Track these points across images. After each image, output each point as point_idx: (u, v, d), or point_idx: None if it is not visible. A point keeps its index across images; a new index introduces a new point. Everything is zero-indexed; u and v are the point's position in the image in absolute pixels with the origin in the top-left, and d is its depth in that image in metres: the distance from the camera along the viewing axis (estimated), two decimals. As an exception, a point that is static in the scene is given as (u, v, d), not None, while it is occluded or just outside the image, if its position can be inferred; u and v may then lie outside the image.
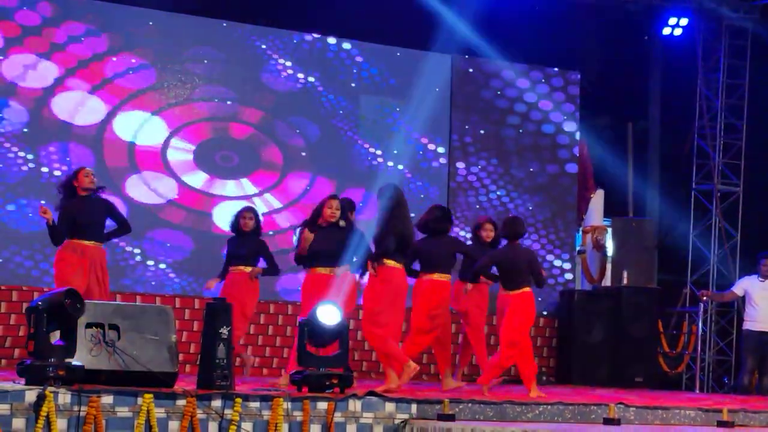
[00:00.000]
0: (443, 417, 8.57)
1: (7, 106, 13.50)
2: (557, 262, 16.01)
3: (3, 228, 13.34)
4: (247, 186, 14.50)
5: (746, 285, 14.05)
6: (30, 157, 13.55)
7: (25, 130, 13.56)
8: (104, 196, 10.75)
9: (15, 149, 13.47)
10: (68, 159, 13.61)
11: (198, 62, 14.57)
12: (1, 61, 13.55)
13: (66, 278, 10.13)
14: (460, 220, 15.69)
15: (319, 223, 10.19)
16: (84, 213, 10.47)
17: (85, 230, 10.45)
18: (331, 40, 15.34)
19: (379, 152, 15.36)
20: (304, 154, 14.98)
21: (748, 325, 14.00)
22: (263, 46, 14.96)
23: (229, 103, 14.70)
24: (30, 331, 7.91)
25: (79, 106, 13.85)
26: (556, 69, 16.52)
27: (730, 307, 16.02)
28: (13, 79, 13.62)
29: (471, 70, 16.08)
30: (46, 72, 13.76)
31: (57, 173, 13.44)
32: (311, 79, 15.12)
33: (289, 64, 15.02)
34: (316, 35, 15.24)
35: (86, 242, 10.44)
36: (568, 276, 16.16)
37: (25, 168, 13.50)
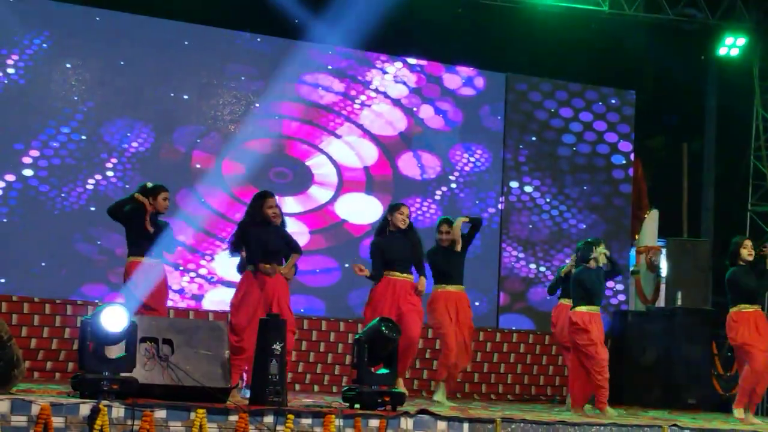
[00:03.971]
0: (495, 436, 8.54)
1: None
2: (610, 283, 15.90)
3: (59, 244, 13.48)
4: (300, 203, 14.55)
5: None
6: (90, 181, 13.67)
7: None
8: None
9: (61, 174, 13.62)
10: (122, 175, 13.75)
11: (254, 79, 14.64)
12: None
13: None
14: (513, 239, 15.66)
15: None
16: (153, 229, 10.49)
17: (150, 246, 10.48)
18: (398, 64, 15.38)
19: (432, 172, 15.36)
20: (359, 172, 15.01)
21: None
22: (329, 66, 15.02)
23: (284, 120, 14.75)
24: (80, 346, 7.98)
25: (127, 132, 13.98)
26: (611, 89, 16.47)
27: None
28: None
29: (526, 88, 16.06)
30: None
31: (101, 187, 13.60)
32: (370, 97, 15.16)
33: (345, 83, 15.07)
34: (375, 54, 15.27)
35: (151, 259, 10.47)
36: (622, 297, 16.07)
37: (89, 187, 13.62)
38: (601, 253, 10.92)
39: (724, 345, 15.95)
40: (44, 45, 13.63)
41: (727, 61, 16.89)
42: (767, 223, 16.58)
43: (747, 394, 11.24)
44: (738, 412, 11.17)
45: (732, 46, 16.65)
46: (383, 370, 9.07)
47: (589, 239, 11.27)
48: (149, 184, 10.64)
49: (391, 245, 10.74)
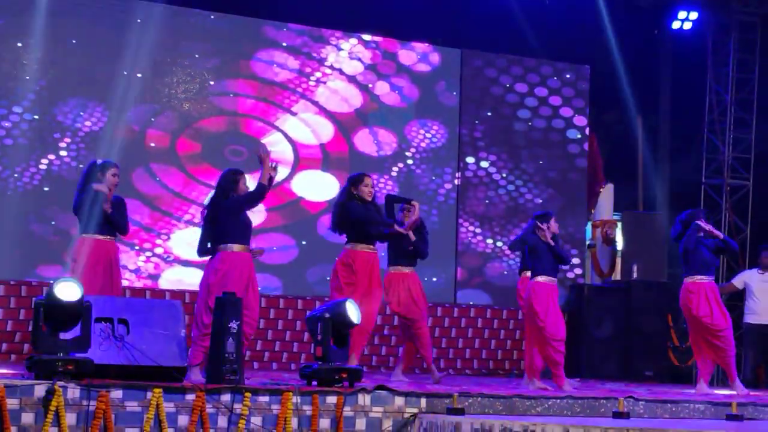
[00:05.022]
0: (452, 411, 8.58)
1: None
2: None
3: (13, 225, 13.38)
4: (256, 181, 14.45)
5: (746, 278, 14.01)
6: (44, 161, 13.57)
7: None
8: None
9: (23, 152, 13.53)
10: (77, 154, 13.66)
11: (208, 56, 14.56)
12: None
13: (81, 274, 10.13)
14: (469, 214, 15.69)
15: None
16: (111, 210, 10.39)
17: (99, 224, 10.38)
18: (353, 41, 15.32)
19: (388, 148, 15.35)
20: (315, 149, 14.98)
21: (748, 319, 13.96)
22: (284, 44, 14.96)
23: (239, 98, 14.69)
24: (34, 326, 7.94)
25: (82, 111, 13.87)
26: (566, 63, 16.50)
27: (740, 301, 15.98)
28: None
29: (481, 64, 16.07)
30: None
31: (55, 167, 13.53)
32: (325, 74, 15.12)
33: (300, 60, 15.02)
34: (330, 31, 15.22)
35: (100, 237, 10.38)
36: (578, 270, 16.14)
37: (42, 167, 13.52)
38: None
39: (680, 317, 16.09)
40: (-6, 24, 13.51)
41: (680, 35, 16.96)
42: (721, 196, 16.68)
43: None
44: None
45: (685, 20, 16.72)
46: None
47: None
48: (98, 161, 10.54)
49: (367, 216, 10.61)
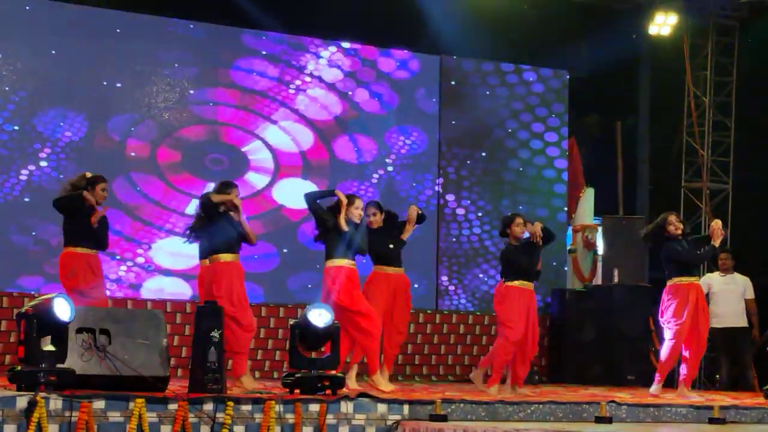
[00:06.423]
0: (435, 417, 8.58)
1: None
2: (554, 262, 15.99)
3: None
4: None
5: (708, 282, 13.85)
6: (24, 172, 13.54)
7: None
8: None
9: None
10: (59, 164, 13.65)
11: (187, 66, 14.56)
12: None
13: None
14: (450, 217, 15.70)
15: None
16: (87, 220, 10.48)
17: (86, 237, 10.45)
18: (332, 48, 15.32)
19: (368, 155, 15.36)
20: (295, 157, 14.98)
21: (713, 323, 13.90)
22: (263, 52, 14.96)
23: (219, 106, 14.69)
24: (20, 337, 7.90)
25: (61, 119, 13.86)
26: (545, 68, 16.53)
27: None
28: None
29: (460, 69, 16.08)
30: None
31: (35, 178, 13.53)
32: (305, 82, 15.13)
33: (279, 68, 15.02)
34: (309, 38, 15.23)
35: (86, 250, 10.43)
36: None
37: (22, 178, 13.50)
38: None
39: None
40: (-27, 35, 13.47)
41: (658, 39, 17.02)
42: (701, 200, 16.74)
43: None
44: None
45: (663, 24, 16.78)
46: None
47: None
48: (88, 174, 10.60)
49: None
